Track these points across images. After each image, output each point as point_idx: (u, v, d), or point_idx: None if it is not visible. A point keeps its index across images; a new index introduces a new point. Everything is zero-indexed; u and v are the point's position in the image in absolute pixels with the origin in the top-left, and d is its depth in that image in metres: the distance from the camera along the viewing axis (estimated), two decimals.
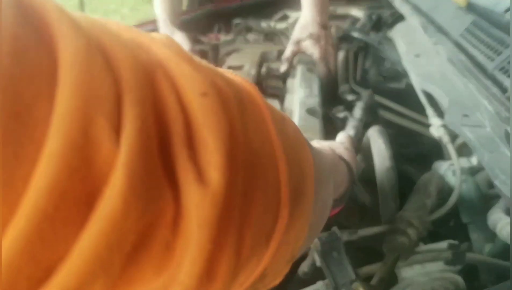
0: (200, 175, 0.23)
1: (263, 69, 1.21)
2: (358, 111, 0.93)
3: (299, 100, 1.03)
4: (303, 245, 0.40)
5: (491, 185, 0.78)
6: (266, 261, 0.31)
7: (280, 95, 1.14)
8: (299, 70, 1.19)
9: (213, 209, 0.23)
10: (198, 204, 0.22)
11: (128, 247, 0.20)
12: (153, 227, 0.21)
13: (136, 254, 0.21)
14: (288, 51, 1.20)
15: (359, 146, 0.88)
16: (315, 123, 0.95)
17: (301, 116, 0.97)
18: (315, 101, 1.03)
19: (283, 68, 1.19)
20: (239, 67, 1.21)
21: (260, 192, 0.28)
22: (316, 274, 0.66)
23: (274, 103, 1.06)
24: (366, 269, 0.64)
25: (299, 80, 1.14)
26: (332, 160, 0.56)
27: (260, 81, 1.17)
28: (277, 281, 0.37)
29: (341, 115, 0.96)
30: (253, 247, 0.28)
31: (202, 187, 0.23)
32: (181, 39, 1.42)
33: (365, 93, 1.03)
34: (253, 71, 1.17)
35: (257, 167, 0.28)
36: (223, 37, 1.69)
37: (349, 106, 1.04)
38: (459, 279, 0.63)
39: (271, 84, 1.16)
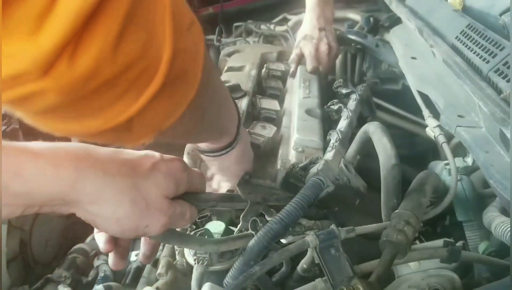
0: None
1: (264, 70, 1.23)
2: (352, 102, 0.95)
3: (298, 100, 1.05)
4: (190, 130, 0.53)
5: (486, 184, 0.80)
6: (136, 108, 0.39)
7: (279, 96, 1.15)
8: (299, 70, 1.20)
9: None
10: None
11: None
12: None
13: None
14: (293, 55, 1.26)
15: (352, 137, 0.89)
16: (314, 123, 0.96)
17: (300, 116, 0.98)
18: (313, 101, 1.05)
19: (292, 70, 1.24)
20: (240, 68, 1.23)
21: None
22: (314, 271, 0.67)
23: (274, 104, 1.07)
24: (363, 266, 0.65)
25: (298, 80, 1.15)
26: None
27: (260, 81, 1.19)
28: (141, 141, 0.45)
29: (335, 107, 0.98)
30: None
31: None
32: None
33: (360, 86, 1.04)
34: (253, 72, 1.19)
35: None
36: (224, 40, 1.71)
37: (345, 100, 1.05)
38: (455, 276, 0.64)
39: (271, 84, 1.18)
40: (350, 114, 0.88)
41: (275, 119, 1.04)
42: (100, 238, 0.57)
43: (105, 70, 0.35)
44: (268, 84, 1.18)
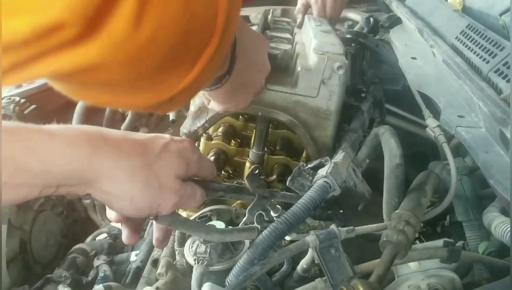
0: None
1: (270, 17, 1.24)
2: (366, 103, 0.94)
3: (311, 28, 1.02)
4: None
5: (486, 184, 0.80)
6: (191, 78, 0.36)
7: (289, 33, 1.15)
8: (306, 16, 1.20)
9: None
10: None
11: None
12: None
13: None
14: (299, 5, 1.26)
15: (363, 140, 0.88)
16: (332, 35, 0.96)
17: (316, 32, 0.96)
18: (327, 28, 1.04)
19: (299, 20, 1.23)
20: (245, 17, 1.23)
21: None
22: (314, 271, 0.67)
23: (285, 34, 1.06)
24: (363, 266, 0.65)
25: (307, 20, 1.14)
26: None
27: (268, 25, 1.20)
28: (175, 109, 0.44)
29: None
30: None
31: None
32: None
33: (372, 87, 1.04)
34: (260, 16, 1.19)
35: None
36: None
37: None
38: (455, 276, 0.64)
39: (279, 26, 1.18)
40: (363, 114, 0.88)
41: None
42: (112, 212, 0.56)
43: (171, 34, 0.29)
44: (276, 26, 1.17)
